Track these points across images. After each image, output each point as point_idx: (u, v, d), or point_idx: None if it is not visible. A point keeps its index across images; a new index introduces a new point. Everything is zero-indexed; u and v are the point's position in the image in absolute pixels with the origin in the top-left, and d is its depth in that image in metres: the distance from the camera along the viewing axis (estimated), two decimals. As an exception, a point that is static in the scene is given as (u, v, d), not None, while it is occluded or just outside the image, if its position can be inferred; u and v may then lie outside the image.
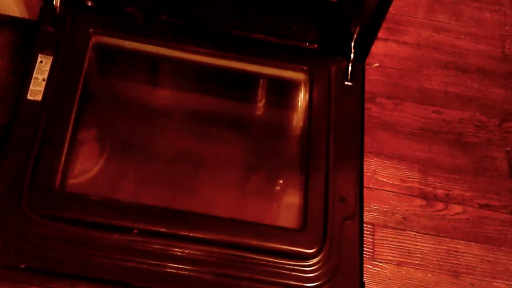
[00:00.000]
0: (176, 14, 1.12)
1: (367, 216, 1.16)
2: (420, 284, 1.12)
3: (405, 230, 1.17)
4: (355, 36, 1.09)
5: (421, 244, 1.16)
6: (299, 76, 1.14)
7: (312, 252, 0.96)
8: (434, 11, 1.44)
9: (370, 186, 1.19)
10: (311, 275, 0.94)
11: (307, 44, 1.14)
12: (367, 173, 1.18)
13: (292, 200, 1.05)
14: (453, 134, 1.29)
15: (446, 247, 1.16)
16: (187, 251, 0.93)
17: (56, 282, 1.00)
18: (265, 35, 1.13)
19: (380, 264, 1.13)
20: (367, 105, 1.21)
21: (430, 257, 1.15)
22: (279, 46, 1.13)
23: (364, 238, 1.00)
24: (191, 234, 0.94)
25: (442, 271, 1.14)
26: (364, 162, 1.06)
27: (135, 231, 0.93)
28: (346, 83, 1.11)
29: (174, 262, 0.93)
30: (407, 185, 1.21)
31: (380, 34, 1.18)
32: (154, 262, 0.92)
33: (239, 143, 1.13)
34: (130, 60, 1.15)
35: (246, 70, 1.14)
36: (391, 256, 1.14)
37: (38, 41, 1.05)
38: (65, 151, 0.98)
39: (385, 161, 1.23)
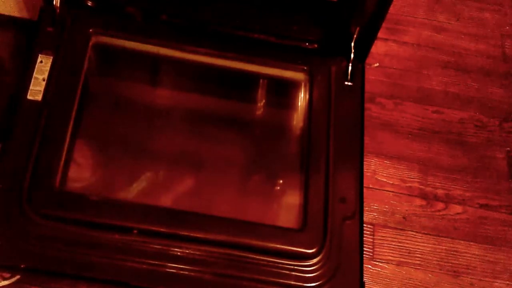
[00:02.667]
0: (176, 14, 1.12)
1: (367, 216, 1.15)
2: (420, 284, 1.12)
3: (405, 230, 1.17)
4: (355, 36, 1.09)
5: (421, 244, 1.16)
6: (299, 76, 1.14)
7: (312, 252, 0.96)
8: (434, 11, 1.44)
9: (370, 186, 1.19)
10: (311, 275, 0.94)
11: (307, 44, 1.14)
12: (367, 173, 1.18)
13: (292, 200, 1.05)
14: (453, 134, 1.29)
15: (446, 247, 1.16)
16: (187, 251, 0.93)
17: (56, 282, 1.00)
18: (265, 35, 1.13)
19: (380, 264, 1.13)
20: (367, 105, 1.21)
21: (430, 257, 1.15)
22: (279, 46, 1.13)
23: (364, 238, 1.00)
24: (191, 234, 0.94)
25: (442, 271, 1.14)
26: (364, 162, 1.06)
27: (135, 231, 0.93)
28: (346, 83, 1.11)
29: (174, 262, 0.92)
30: (407, 185, 1.21)
31: (380, 34, 1.17)
32: (154, 262, 0.92)
33: (239, 143, 1.13)
34: (130, 60, 1.15)
35: (246, 70, 1.14)
36: (391, 256, 1.14)
37: (38, 41, 1.05)
38: (65, 151, 0.98)
39: (385, 161, 1.23)
